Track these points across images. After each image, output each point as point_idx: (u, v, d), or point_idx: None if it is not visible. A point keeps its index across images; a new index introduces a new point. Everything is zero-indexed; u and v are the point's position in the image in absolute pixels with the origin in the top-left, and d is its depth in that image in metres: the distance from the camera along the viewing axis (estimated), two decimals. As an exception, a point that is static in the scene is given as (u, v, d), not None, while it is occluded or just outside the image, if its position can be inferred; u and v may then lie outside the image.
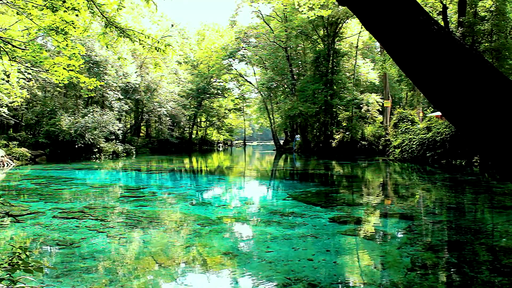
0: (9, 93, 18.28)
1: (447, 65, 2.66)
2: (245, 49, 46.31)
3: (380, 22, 2.86)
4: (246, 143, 72.88)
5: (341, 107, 35.05)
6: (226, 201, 10.38)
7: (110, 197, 10.72)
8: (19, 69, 14.50)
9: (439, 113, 25.12)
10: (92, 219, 7.50)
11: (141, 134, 46.86)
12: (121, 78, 32.87)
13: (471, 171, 17.03)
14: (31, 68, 14.99)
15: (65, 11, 7.72)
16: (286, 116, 37.98)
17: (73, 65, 9.55)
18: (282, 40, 38.22)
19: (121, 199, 10.37)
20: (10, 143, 22.95)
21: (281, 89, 43.97)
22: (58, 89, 29.04)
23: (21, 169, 18.77)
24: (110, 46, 8.74)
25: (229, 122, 61.71)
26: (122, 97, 34.15)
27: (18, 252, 3.07)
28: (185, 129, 52.58)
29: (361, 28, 32.83)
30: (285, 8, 35.42)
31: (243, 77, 53.32)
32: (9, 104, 21.68)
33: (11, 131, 27.23)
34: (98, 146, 27.73)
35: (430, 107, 36.97)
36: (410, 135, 24.96)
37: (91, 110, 28.69)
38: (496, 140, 2.57)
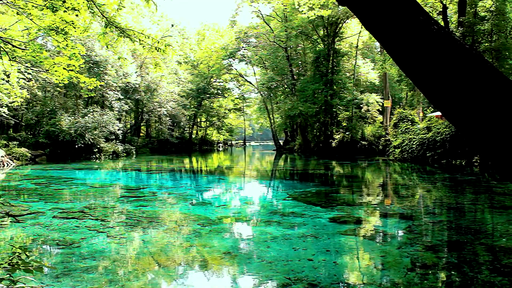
0: (9, 93, 18.28)
1: (447, 65, 2.65)
2: (245, 49, 46.28)
3: (380, 22, 2.85)
4: (246, 143, 72.84)
5: (341, 107, 35.02)
6: (226, 201, 10.38)
7: (110, 197, 10.72)
8: (19, 69, 14.51)
9: (439, 113, 25.11)
10: (92, 219, 7.51)
11: (141, 134, 46.84)
12: (121, 78, 32.87)
13: (471, 171, 17.02)
14: (31, 68, 15.02)
15: (65, 11, 7.72)
16: (286, 116, 37.97)
17: (73, 65, 9.56)
18: (282, 40, 38.21)
19: (121, 199, 10.36)
20: (10, 143, 22.95)
21: (281, 89, 43.93)
22: (58, 89, 29.04)
23: (21, 169, 18.76)
24: (110, 46, 8.74)
25: (229, 122, 61.62)
26: (122, 97, 34.14)
27: (18, 252, 3.07)
28: (185, 129, 52.54)
29: (361, 28, 32.81)
30: (285, 8, 35.41)
31: (243, 77, 53.29)
32: (9, 104, 21.67)
33: (11, 131, 27.23)
34: (98, 146, 27.72)
35: (430, 107, 36.92)
36: (410, 135, 24.95)
37: (91, 110, 28.69)
38: (496, 140, 2.57)
